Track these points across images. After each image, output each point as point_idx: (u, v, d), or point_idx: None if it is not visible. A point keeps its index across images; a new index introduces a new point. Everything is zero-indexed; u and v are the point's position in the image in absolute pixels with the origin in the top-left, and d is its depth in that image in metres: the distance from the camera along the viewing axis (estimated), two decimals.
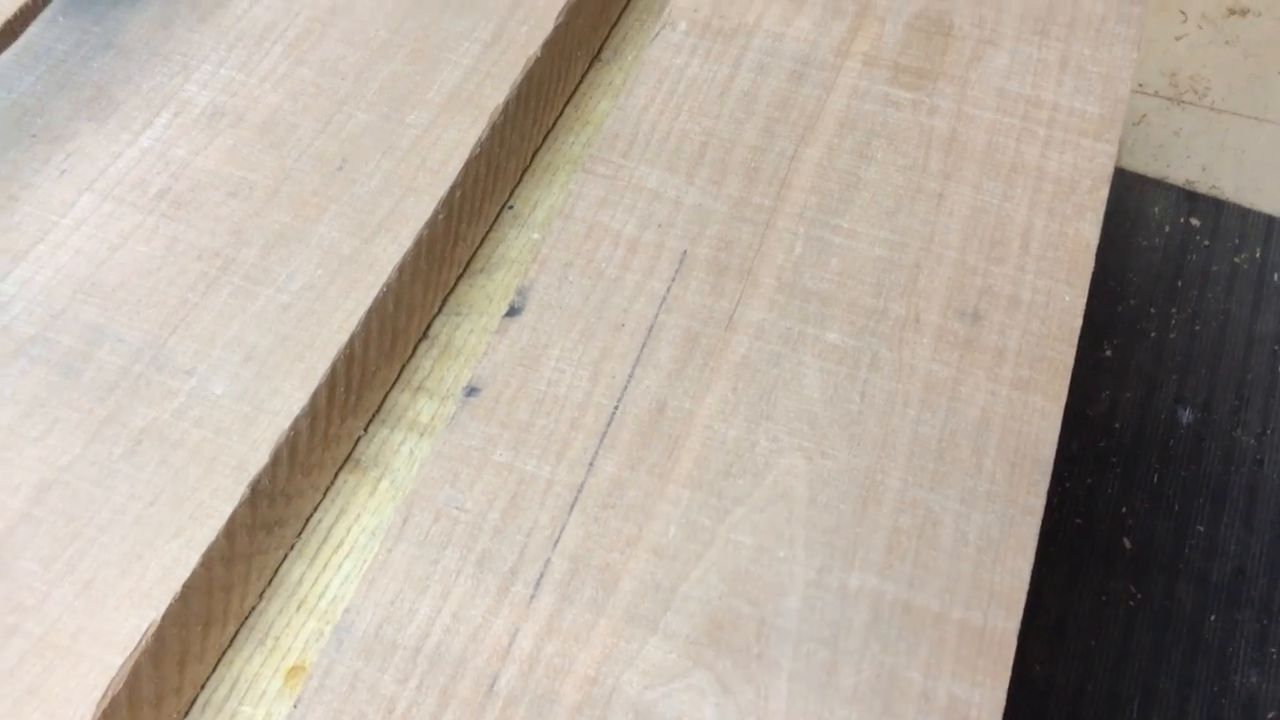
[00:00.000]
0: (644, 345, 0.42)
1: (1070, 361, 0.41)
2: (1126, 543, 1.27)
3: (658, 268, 0.44)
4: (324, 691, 0.35)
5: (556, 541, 0.37)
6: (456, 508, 0.38)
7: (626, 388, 0.41)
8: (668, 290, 0.43)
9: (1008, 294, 0.43)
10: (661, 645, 0.35)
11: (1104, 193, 0.45)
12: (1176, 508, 1.28)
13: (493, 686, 0.35)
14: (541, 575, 0.37)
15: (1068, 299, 0.42)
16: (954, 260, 0.43)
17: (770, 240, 0.44)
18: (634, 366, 0.41)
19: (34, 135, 0.47)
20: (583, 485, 0.39)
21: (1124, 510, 1.29)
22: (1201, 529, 1.27)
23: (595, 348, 0.42)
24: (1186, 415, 1.35)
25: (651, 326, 0.42)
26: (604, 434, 0.40)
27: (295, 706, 0.34)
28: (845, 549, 0.37)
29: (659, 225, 0.45)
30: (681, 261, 0.44)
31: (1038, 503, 0.38)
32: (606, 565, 0.37)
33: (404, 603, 0.36)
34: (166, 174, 0.46)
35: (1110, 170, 0.45)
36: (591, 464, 0.39)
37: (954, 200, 0.45)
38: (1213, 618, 1.21)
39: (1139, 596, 1.23)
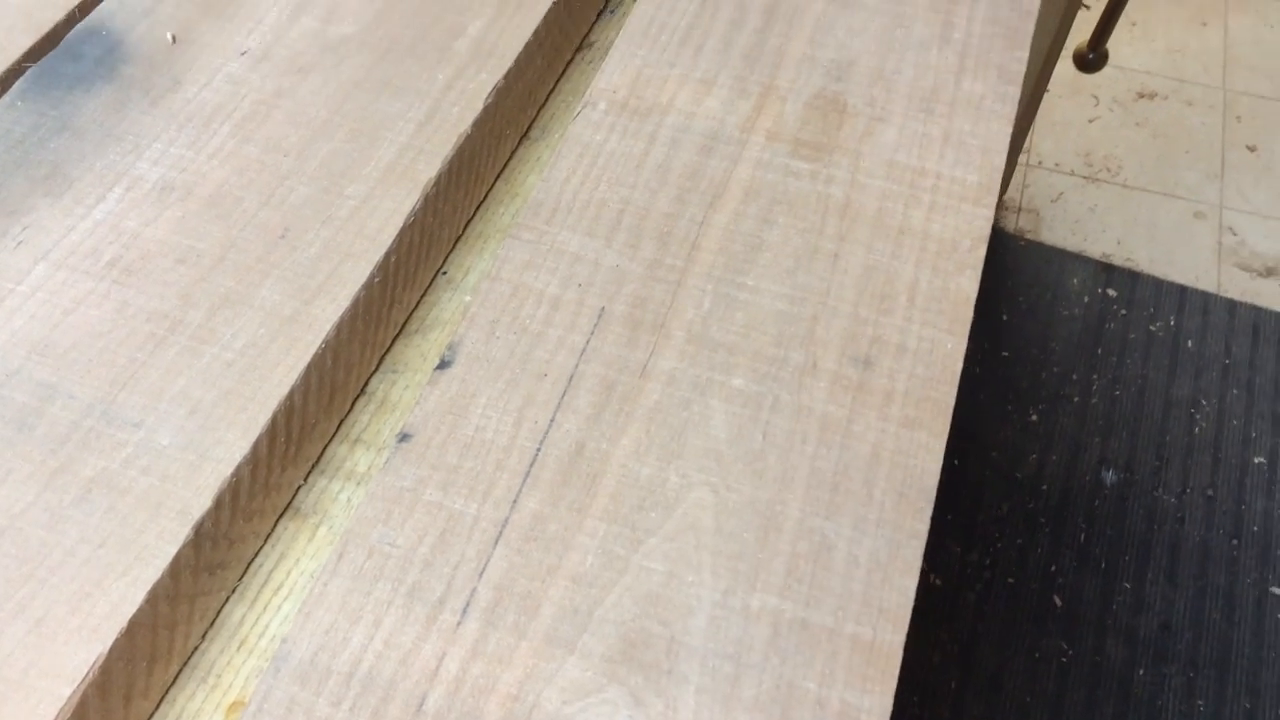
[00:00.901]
0: (565, 393, 0.45)
1: (951, 401, 0.45)
2: (1057, 600, 1.31)
3: (578, 323, 0.47)
4: (261, 715, 0.37)
5: (482, 572, 0.40)
6: (389, 544, 0.41)
7: (548, 432, 0.44)
8: (587, 343, 0.47)
9: (896, 342, 0.47)
10: (579, 664, 0.38)
11: (982, 251, 0.49)
12: (1104, 565, 1.33)
13: (421, 706, 0.37)
14: (468, 603, 0.40)
15: (949, 346, 0.47)
16: (848, 313, 0.48)
17: (681, 297, 0.48)
18: (555, 412, 0.45)
19: None
20: (507, 521, 0.42)
21: (1053, 569, 1.33)
22: (1128, 585, 1.31)
23: (519, 396, 0.45)
24: (1110, 476, 1.41)
25: (572, 376, 0.46)
26: (527, 474, 0.43)
27: None
28: (748, 573, 0.41)
29: (579, 285, 0.49)
30: (600, 317, 0.47)
31: (922, 527, 0.42)
32: (528, 593, 0.40)
33: (338, 632, 0.39)
34: (118, 244, 0.49)
35: (987, 232, 0.50)
36: (515, 501, 0.42)
37: (848, 259, 0.49)
38: (1141, 672, 1.24)
39: (1070, 653, 1.26)
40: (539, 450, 0.44)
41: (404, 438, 0.44)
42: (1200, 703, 1.23)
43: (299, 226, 0.50)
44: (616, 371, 0.46)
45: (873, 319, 0.48)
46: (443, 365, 0.46)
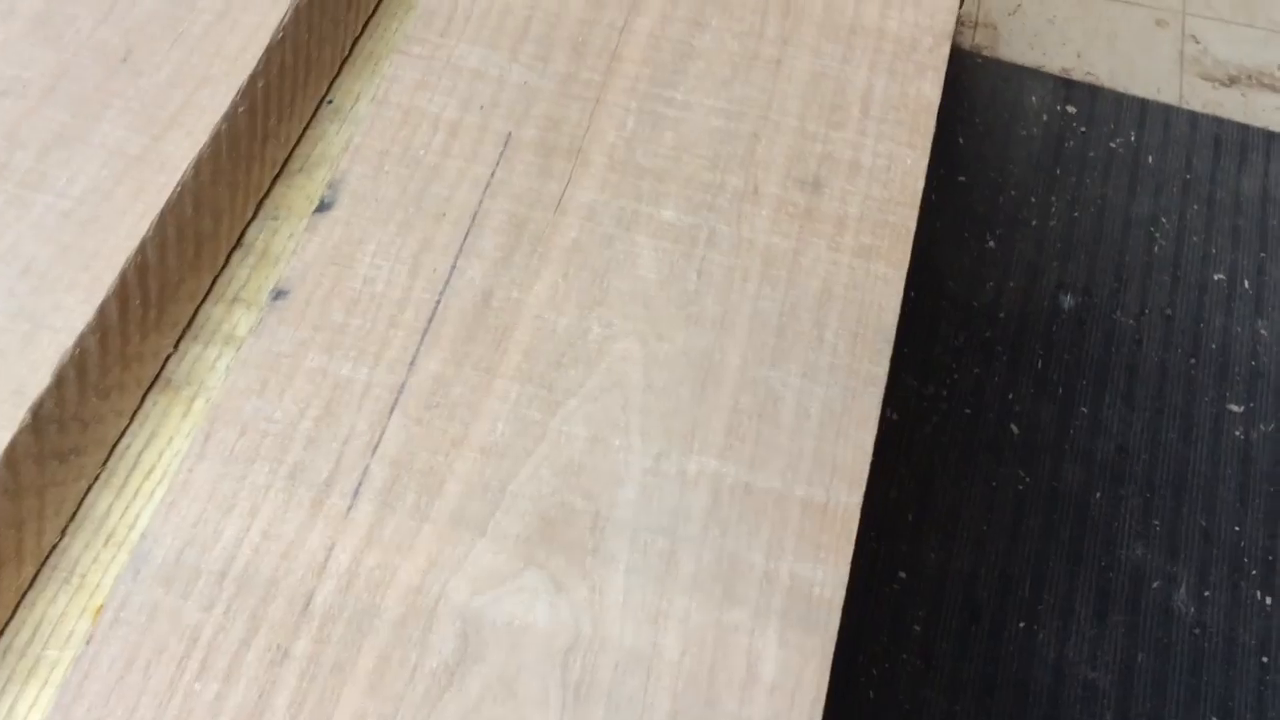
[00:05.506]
0: (467, 234, 0.39)
1: (912, 225, 0.39)
2: (1014, 429, 1.29)
3: (481, 152, 0.41)
4: (119, 625, 0.32)
5: (375, 447, 0.35)
6: (265, 419, 0.35)
7: (449, 280, 0.38)
8: (492, 175, 0.40)
9: (848, 160, 0.41)
10: (490, 547, 0.33)
11: (945, 50, 0.43)
12: (1060, 391, 1.31)
13: (308, 606, 0.32)
14: (360, 484, 0.34)
15: (909, 161, 0.40)
16: (793, 128, 0.41)
17: (600, 117, 0.41)
18: (457, 257, 0.38)
19: None
20: (403, 386, 0.36)
21: (1010, 397, 1.30)
22: (1085, 410, 1.30)
23: (414, 240, 0.39)
24: (1068, 300, 1.37)
25: (475, 214, 0.39)
26: (425, 330, 0.37)
27: (88, 644, 0.31)
28: (683, 433, 0.35)
29: (481, 107, 0.42)
30: (506, 144, 0.41)
31: (880, 371, 0.36)
32: (430, 469, 0.35)
33: (208, 524, 0.33)
34: None
35: (951, 26, 0.43)
36: (412, 363, 0.36)
37: (792, 66, 0.43)
38: (1098, 495, 1.24)
39: (1027, 480, 1.25)
40: (439, 302, 0.37)
41: (279, 295, 0.38)
42: (1156, 523, 1.23)
43: (144, 47, 0.42)
44: (527, 207, 0.39)
45: (822, 134, 0.41)
46: (322, 208, 0.39)
